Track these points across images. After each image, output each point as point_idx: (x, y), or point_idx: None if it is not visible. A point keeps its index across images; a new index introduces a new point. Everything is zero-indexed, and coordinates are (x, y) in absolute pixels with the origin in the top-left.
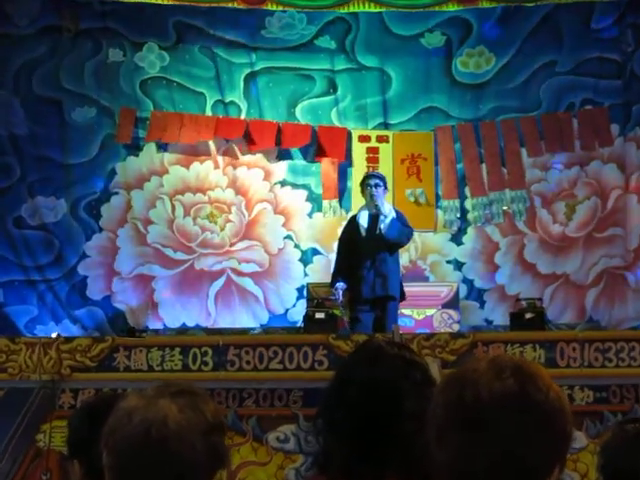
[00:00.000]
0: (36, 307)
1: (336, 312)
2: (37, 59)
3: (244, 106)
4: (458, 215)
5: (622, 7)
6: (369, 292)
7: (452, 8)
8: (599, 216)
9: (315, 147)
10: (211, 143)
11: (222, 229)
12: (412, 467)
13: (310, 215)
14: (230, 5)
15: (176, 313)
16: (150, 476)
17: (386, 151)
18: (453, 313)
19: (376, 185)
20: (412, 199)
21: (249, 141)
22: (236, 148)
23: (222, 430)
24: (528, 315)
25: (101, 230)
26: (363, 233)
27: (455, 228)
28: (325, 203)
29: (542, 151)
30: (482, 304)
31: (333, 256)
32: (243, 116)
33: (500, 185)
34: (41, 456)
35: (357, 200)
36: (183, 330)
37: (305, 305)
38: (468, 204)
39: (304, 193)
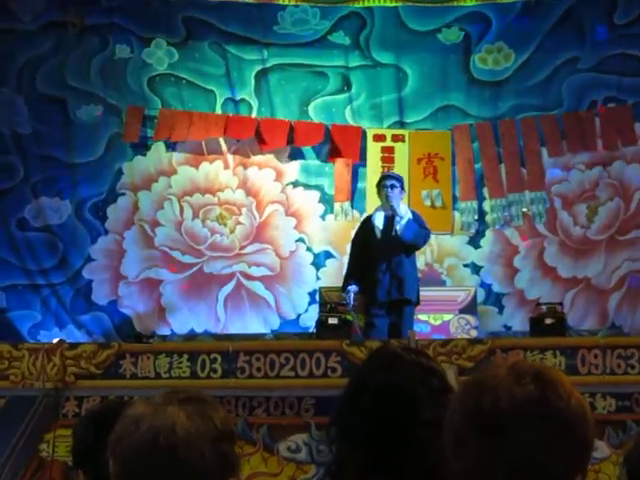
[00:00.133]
0: (39, 312)
1: (347, 317)
2: (41, 56)
3: (255, 104)
4: (476, 217)
5: None
6: (385, 296)
7: (470, 3)
8: (622, 218)
9: (328, 146)
10: (222, 141)
11: (232, 231)
12: (428, 474)
13: (323, 217)
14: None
15: (184, 318)
16: None
17: (402, 151)
18: (471, 318)
19: (392, 186)
20: (428, 201)
21: (260, 140)
22: (247, 147)
23: (232, 438)
24: (548, 320)
25: (107, 232)
26: (378, 235)
27: (473, 230)
28: (337, 206)
29: (563, 151)
30: (501, 309)
31: (347, 259)
32: (254, 114)
33: (519, 186)
34: (44, 467)
35: (371, 201)
36: (191, 336)
37: (318, 310)
38: (486, 206)
39: (317, 194)
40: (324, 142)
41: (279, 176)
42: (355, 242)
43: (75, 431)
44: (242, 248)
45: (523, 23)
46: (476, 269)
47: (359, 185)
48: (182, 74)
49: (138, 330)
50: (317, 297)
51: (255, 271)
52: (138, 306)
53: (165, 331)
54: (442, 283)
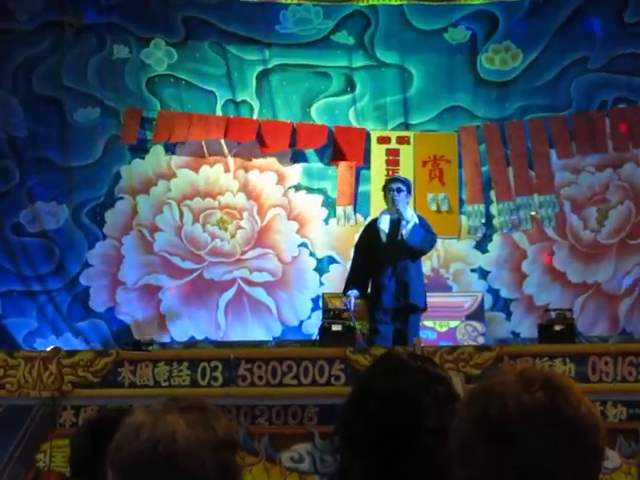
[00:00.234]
0: (36, 319)
1: (351, 324)
2: (37, 56)
3: (256, 105)
4: (483, 221)
5: None
6: (391, 301)
7: (477, 1)
8: (633, 221)
9: (332, 149)
10: (223, 142)
11: (233, 236)
12: None
13: (326, 221)
14: None
15: (184, 325)
16: None
17: (407, 153)
18: (478, 325)
19: (398, 189)
20: (434, 205)
21: (261, 143)
22: (248, 150)
23: (234, 447)
24: (557, 327)
25: (105, 237)
26: (383, 239)
27: (480, 235)
28: (339, 210)
29: (572, 153)
30: (508, 315)
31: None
32: (255, 116)
33: (528, 189)
34: (41, 477)
35: (375, 205)
36: (191, 343)
37: (321, 317)
38: (494, 209)
39: (320, 198)
40: (327, 144)
41: (281, 179)
42: (359, 246)
43: (73, 441)
44: (243, 253)
45: (531, 22)
46: (483, 274)
47: (363, 188)
48: (181, 75)
49: (137, 337)
50: (320, 303)
51: (256, 277)
52: (137, 313)
53: (164, 338)
54: (448, 289)
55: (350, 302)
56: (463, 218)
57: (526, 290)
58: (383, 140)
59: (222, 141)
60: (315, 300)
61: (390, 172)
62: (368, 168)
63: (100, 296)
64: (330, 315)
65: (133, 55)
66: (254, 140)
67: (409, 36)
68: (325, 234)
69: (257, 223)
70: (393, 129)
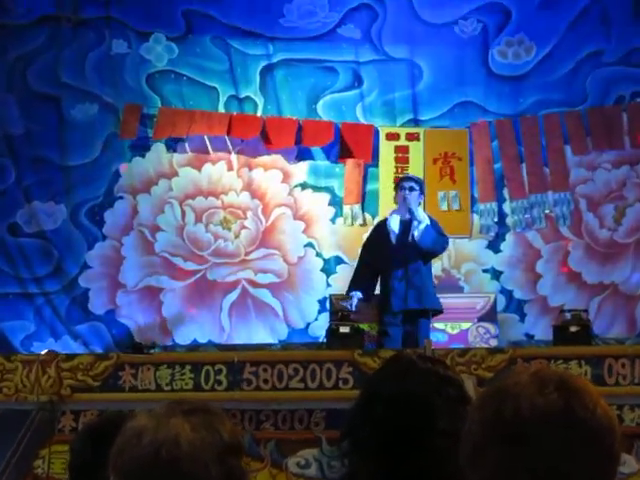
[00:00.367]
0: (33, 322)
1: (360, 326)
2: (34, 51)
3: (260, 102)
4: (495, 220)
5: None
6: (400, 305)
7: None
8: None
9: (339, 146)
10: (227, 139)
11: (237, 236)
12: None
13: (333, 221)
14: None
15: (187, 328)
16: None
17: (416, 150)
18: (490, 327)
19: (411, 188)
20: (445, 203)
21: (266, 140)
22: (252, 148)
23: (239, 451)
24: (573, 328)
25: (104, 238)
26: (393, 240)
27: (492, 234)
28: (346, 209)
29: (588, 149)
30: (522, 317)
31: None
32: (259, 113)
33: (542, 186)
34: None
35: (384, 204)
36: (194, 347)
37: (328, 318)
38: (506, 207)
39: (326, 197)
40: (334, 141)
41: (286, 178)
42: (366, 246)
43: (72, 445)
44: (247, 254)
45: (545, 14)
46: (496, 275)
47: (371, 187)
48: (183, 70)
49: (138, 341)
50: (327, 305)
51: (261, 278)
52: (138, 316)
53: (166, 342)
54: (460, 289)
55: (353, 302)
56: (475, 217)
57: (540, 291)
58: (392, 137)
59: (226, 138)
60: (322, 302)
61: (399, 170)
62: (376, 166)
63: (100, 298)
64: (338, 317)
65: (132, 50)
66: (258, 137)
67: (418, 29)
68: (332, 234)
69: (262, 223)
70: (402, 125)
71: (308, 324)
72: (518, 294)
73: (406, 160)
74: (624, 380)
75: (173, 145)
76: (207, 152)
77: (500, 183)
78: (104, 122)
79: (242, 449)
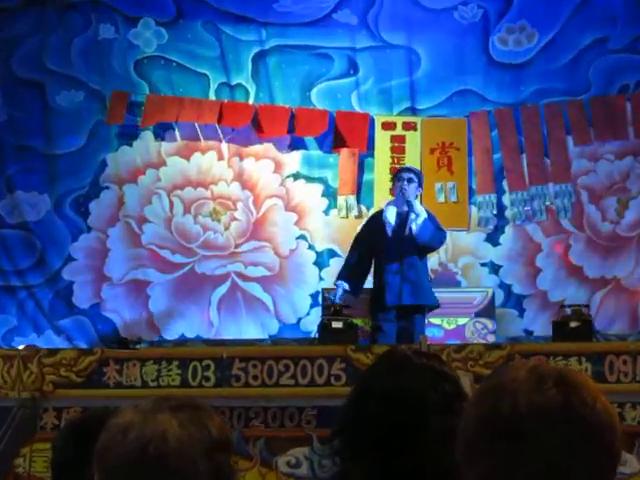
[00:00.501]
0: (15, 316)
1: (354, 321)
2: (17, 36)
3: (252, 89)
4: (494, 212)
5: None
6: (394, 299)
7: None
8: None
9: (333, 135)
10: (217, 127)
11: (226, 228)
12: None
13: (326, 212)
14: None
15: (174, 323)
16: None
17: (413, 140)
18: (488, 322)
19: (410, 180)
20: (442, 195)
21: (258, 129)
22: (243, 136)
23: (228, 448)
24: (573, 324)
25: (89, 230)
26: (389, 232)
27: (491, 226)
28: (340, 199)
29: (590, 139)
30: (521, 312)
31: None
32: (251, 101)
33: (542, 178)
34: None
35: (379, 195)
36: (182, 341)
37: (320, 313)
38: (506, 199)
39: (320, 187)
40: (328, 130)
41: (278, 168)
42: (359, 237)
43: (54, 442)
44: (237, 246)
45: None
46: (494, 268)
47: (366, 177)
48: (172, 56)
49: (123, 336)
50: (319, 299)
51: (252, 271)
52: (123, 310)
53: (153, 337)
54: (457, 284)
55: (338, 293)
56: (473, 209)
57: (540, 285)
58: (388, 126)
59: (216, 126)
60: (314, 296)
61: (395, 160)
62: (372, 156)
63: (84, 292)
64: (330, 311)
65: (120, 35)
66: (250, 126)
67: (416, 15)
68: (325, 226)
69: (252, 214)
70: (399, 114)
71: (300, 319)
72: (517, 289)
73: (402, 150)
74: (626, 377)
75: (162, 134)
76: (198, 139)
77: (499, 174)
78: (90, 110)
79: (231, 445)
